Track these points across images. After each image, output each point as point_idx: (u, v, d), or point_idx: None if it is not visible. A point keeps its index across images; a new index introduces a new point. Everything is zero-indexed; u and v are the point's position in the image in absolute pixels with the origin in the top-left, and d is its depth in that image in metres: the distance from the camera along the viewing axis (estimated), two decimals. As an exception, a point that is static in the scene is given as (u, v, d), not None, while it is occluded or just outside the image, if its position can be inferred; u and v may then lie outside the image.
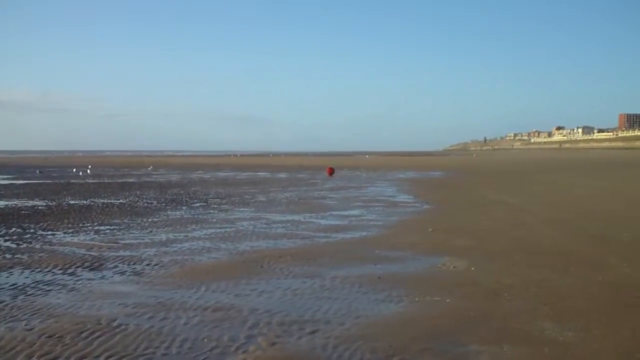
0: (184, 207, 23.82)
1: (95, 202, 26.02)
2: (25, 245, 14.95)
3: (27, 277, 11.41)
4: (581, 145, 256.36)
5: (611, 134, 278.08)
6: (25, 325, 8.36)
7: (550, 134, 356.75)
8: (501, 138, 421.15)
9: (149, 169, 67.51)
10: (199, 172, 59.96)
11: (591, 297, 9.44)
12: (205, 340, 7.69)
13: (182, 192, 32.39)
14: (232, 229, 17.37)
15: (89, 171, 53.25)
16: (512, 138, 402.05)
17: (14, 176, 50.61)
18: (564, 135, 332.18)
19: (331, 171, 52.18)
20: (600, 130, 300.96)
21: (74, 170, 58.90)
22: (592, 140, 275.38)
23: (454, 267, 11.87)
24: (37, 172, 57.49)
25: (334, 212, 21.75)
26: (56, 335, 7.86)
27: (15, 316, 8.81)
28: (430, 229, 16.85)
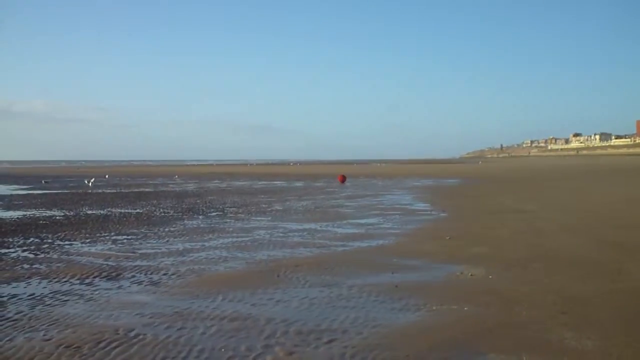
0: (200, 217, 23.88)
1: (112, 212, 26.15)
2: (43, 255, 15.03)
3: (44, 287, 11.47)
4: (598, 151, 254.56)
5: (629, 140, 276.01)
6: (44, 335, 8.40)
7: (567, 141, 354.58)
8: (518, 145, 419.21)
9: (175, 177, 67.90)
10: (216, 181, 60.11)
11: (610, 305, 9.36)
12: (223, 350, 7.69)
13: (198, 201, 32.47)
14: (248, 238, 17.39)
15: (91, 183, 52.98)
16: (529, 145, 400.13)
17: (31, 186, 50.98)
18: (581, 142, 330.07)
19: (342, 179, 53.12)
20: (617, 137, 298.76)
21: (91, 180, 59.27)
22: (610, 146, 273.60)
23: (471, 275, 11.82)
24: (43, 182, 57.98)
25: (350, 221, 21.73)
26: (74, 346, 7.88)
27: (33, 326, 8.85)
28: (447, 237, 16.79)
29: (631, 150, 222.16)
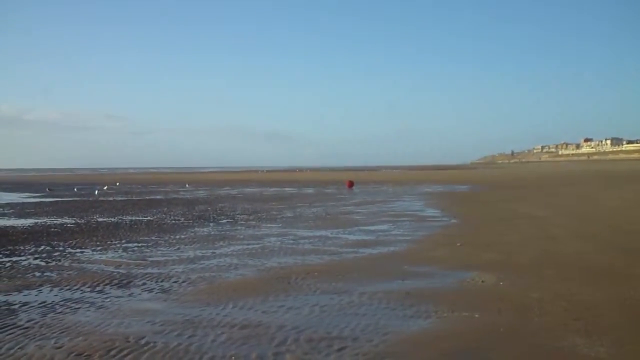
0: (211, 224, 23.92)
1: (123, 220, 26.24)
2: (54, 263, 15.08)
3: (56, 295, 11.50)
4: (610, 156, 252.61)
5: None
6: (55, 343, 8.40)
7: (578, 146, 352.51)
8: (528, 150, 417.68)
9: (186, 185, 68.29)
10: (226, 188, 60.23)
11: (622, 311, 9.29)
12: (233, 357, 7.67)
13: (209, 208, 32.54)
14: (259, 246, 17.38)
15: (97, 192, 52.98)
16: (540, 150, 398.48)
17: (43, 194, 51.23)
18: (592, 147, 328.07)
19: (350, 184, 55.89)
20: (629, 142, 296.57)
21: (105, 188, 59.60)
22: (621, 151, 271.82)
23: (482, 281, 11.77)
24: (47, 189, 58.17)
25: (361, 227, 21.71)
26: (85, 354, 7.89)
27: (44, 334, 8.86)
28: (458, 244, 16.74)
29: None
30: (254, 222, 24.17)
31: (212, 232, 20.94)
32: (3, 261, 15.41)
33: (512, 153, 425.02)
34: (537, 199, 34.42)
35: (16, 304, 10.78)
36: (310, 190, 51.90)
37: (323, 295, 11.08)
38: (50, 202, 40.36)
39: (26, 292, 11.81)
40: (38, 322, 9.58)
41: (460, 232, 19.83)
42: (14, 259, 15.77)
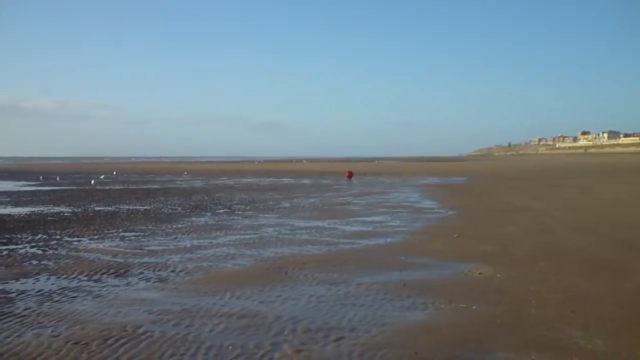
0: (208, 214, 23.89)
1: (120, 209, 26.19)
2: (51, 251, 15.05)
3: (53, 284, 11.48)
4: (606, 150, 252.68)
5: (637, 138, 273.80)
6: (52, 331, 8.40)
7: (575, 139, 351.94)
8: (526, 143, 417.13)
9: (184, 174, 68.38)
10: (223, 178, 60.13)
11: (619, 304, 9.31)
12: (231, 347, 7.67)
13: (206, 198, 32.48)
14: (256, 236, 17.37)
15: (93, 181, 52.81)
16: (537, 143, 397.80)
17: (39, 182, 51.13)
18: (589, 140, 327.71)
19: (350, 175, 57.10)
20: (626, 135, 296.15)
21: (102, 177, 59.55)
22: (618, 145, 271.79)
23: (479, 273, 11.78)
24: (40, 178, 57.99)
25: (358, 218, 21.70)
26: (82, 342, 7.88)
27: (41, 323, 8.85)
28: (455, 235, 16.75)
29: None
30: (250, 212, 24.15)
31: (209, 222, 20.92)
32: (0, 249, 15.37)
33: (509, 145, 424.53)
34: (534, 192, 34.40)
35: (13, 292, 10.76)
36: (307, 181, 51.81)
37: (320, 285, 11.08)
38: (47, 190, 40.26)
39: (23, 280, 11.79)
40: (35, 310, 9.56)
41: (458, 223, 19.83)
42: (11, 247, 15.73)
